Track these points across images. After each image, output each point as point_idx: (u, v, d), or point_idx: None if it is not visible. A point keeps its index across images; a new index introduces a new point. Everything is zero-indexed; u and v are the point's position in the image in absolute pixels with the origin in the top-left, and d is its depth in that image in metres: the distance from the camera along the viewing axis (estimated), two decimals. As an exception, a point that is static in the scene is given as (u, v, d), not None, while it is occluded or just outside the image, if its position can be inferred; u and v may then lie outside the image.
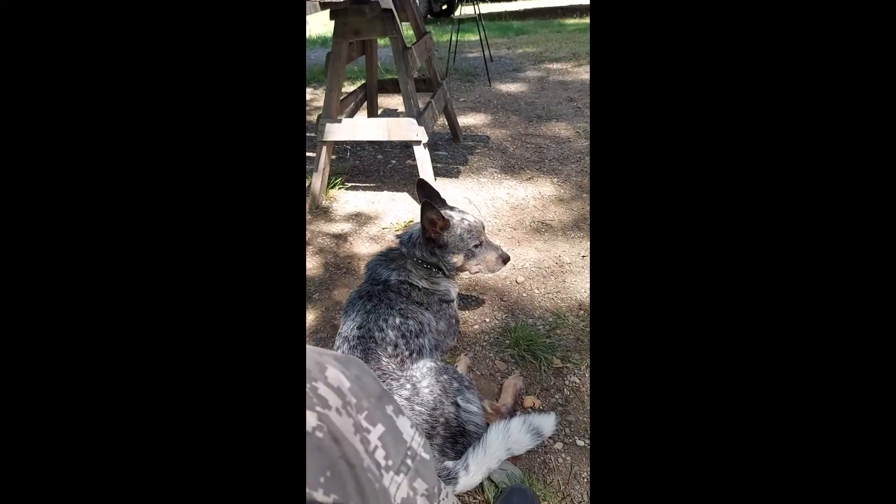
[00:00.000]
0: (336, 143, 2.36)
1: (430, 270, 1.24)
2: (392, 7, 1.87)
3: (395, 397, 0.97)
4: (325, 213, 2.11)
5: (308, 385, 0.40)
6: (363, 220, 2.06)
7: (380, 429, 0.44)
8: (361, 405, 0.44)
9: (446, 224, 1.20)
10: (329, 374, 0.42)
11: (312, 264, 1.78)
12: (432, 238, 1.21)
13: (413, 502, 0.44)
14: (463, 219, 1.24)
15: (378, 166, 2.58)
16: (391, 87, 2.69)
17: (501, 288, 1.60)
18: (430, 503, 0.45)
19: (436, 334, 1.20)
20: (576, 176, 2.29)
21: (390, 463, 0.44)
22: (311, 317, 1.51)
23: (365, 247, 1.87)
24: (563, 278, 1.63)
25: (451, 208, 1.29)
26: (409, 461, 0.45)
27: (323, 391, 0.40)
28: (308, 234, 1.95)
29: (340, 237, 1.94)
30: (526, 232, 1.91)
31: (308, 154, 2.53)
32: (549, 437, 1.08)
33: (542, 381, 1.24)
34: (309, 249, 1.86)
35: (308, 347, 0.45)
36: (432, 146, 2.68)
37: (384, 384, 0.98)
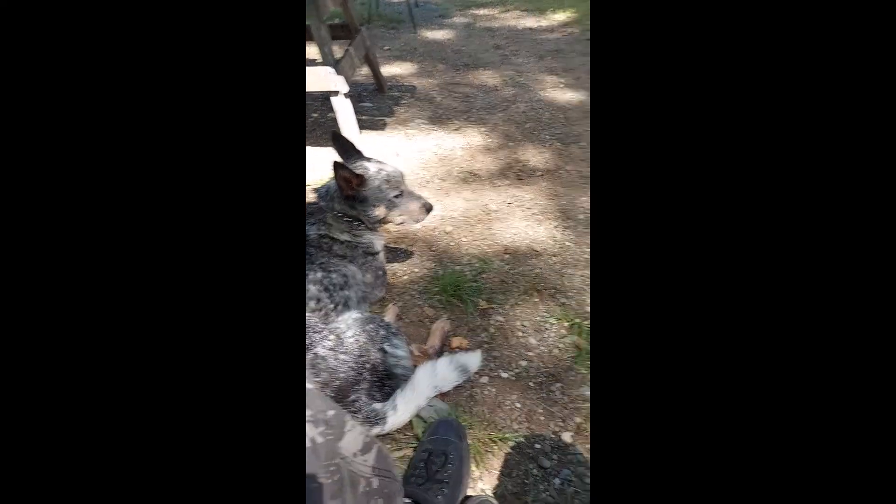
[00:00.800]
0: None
1: (351, 223, 1.22)
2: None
3: (319, 349, 0.98)
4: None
5: None
6: (286, 178, 1.97)
7: None
8: None
9: (361, 180, 1.18)
10: None
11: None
12: (350, 195, 1.19)
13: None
14: (380, 169, 1.22)
15: (300, 121, 2.45)
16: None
17: (430, 238, 1.62)
18: (315, 428, 0.47)
19: (362, 286, 1.21)
20: (503, 125, 2.30)
21: None
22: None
23: (289, 206, 1.80)
24: (489, 225, 1.67)
25: (368, 159, 1.26)
26: None
27: None
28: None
29: (262, 197, 1.86)
30: (454, 182, 1.92)
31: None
32: (476, 373, 1.14)
33: (468, 323, 1.30)
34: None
35: None
36: (356, 97, 2.57)
37: (307, 339, 0.99)
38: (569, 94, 2.59)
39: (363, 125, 2.27)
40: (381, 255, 1.32)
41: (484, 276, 1.45)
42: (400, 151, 2.12)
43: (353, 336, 1.03)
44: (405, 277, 1.46)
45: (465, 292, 1.36)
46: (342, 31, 2.32)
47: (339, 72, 1.86)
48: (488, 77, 2.84)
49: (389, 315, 1.26)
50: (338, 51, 2.05)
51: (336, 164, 1.11)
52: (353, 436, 0.54)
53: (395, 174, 1.24)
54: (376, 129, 2.31)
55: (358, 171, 1.17)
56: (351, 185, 1.17)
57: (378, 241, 1.29)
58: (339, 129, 1.96)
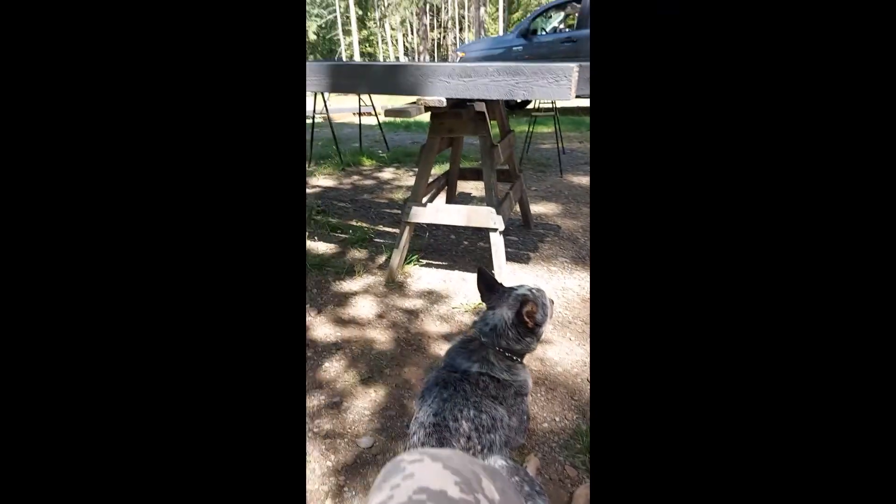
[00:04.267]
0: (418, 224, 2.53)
1: (513, 360, 1.25)
2: (484, 110, 2.07)
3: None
4: (399, 288, 2.22)
5: (472, 496, 0.44)
6: (435, 297, 2.14)
7: None
8: None
9: (542, 312, 1.24)
10: (484, 485, 0.46)
11: (385, 338, 1.85)
12: (531, 328, 1.24)
13: None
14: (537, 297, 1.27)
15: (451, 246, 2.71)
16: (470, 175, 2.89)
17: (572, 385, 1.57)
18: None
19: (507, 430, 1.19)
20: (649, 274, 2.26)
21: None
22: (381, 393, 1.56)
23: (435, 325, 1.92)
24: (637, 383, 1.57)
25: (516, 287, 1.31)
26: None
27: (484, 502, 0.44)
28: (384, 308, 2.05)
29: (412, 313, 2.02)
30: (597, 328, 1.88)
31: (392, 230, 2.72)
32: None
33: (615, 497, 1.17)
34: (383, 323, 1.95)
35: (461, 455, 0.50)
36: (504, 231, 2.78)
37: None
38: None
39: (508, 257, 2.41)
40: (528, 398, 1.31)
41: (633, 442, 1.32)
42: (543, 286, 2.19)
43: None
44: (545, 425, 1.41)
45: (611, 458, 1.25)
46: (502, 175, 2.62)
47: (498, 212, 2.07)
48: (633, 224, 2.88)
49: (531, 468, 1.20)
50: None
51: (523, 299, 1.19)
52: None
53: (547, 298, 1.27)
54: (520, 262, 2.44)
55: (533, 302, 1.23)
56: (534, 319, 1.23)
57: (530, 381, 1.29)
58: (492, 260, 2.11)
